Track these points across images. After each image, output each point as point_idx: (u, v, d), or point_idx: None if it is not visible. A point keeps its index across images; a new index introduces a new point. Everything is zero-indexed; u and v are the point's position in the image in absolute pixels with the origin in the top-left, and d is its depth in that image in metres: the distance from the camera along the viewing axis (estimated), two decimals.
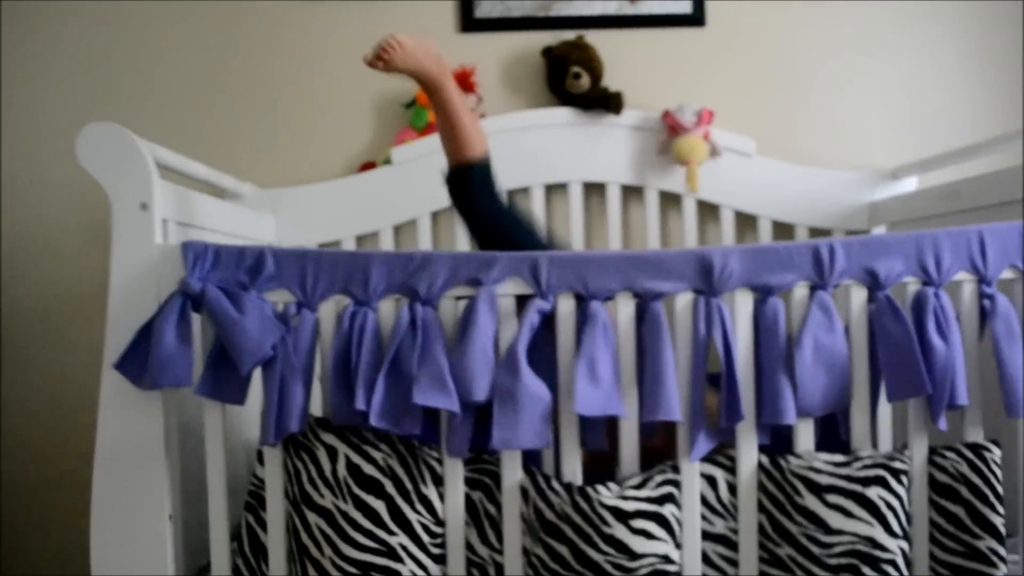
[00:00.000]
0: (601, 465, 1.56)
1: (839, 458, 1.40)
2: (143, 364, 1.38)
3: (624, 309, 1.42)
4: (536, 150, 2.26)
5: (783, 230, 2.28)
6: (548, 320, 1.42)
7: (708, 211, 2.31)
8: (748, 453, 1.42)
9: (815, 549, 1.37)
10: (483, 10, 2.32)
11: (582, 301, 1.41)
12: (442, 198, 2.24)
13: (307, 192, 2.25)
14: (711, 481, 1.44)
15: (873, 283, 1.42)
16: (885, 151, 2.33)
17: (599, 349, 1.38)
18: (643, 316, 1.41)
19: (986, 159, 2.18)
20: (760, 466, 1.42)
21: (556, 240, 1.92)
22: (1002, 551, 1.39)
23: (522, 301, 1.43)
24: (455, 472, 1.42)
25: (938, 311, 1.40)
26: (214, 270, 1.41)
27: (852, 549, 1.36)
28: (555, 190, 2.31)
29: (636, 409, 1.42)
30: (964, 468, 1.41)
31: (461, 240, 2.25)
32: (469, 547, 1.43)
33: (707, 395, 1.61)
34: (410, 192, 2.25)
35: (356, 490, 1.37)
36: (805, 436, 1.44)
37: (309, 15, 2.32)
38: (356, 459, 1.38)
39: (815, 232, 2.27)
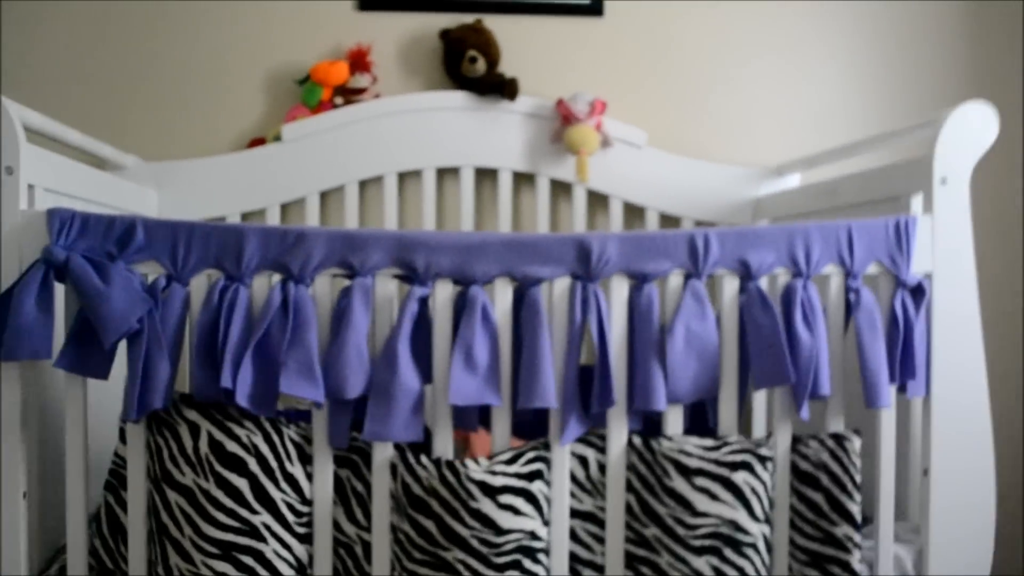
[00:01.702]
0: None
1: (709, 442, 1.43)
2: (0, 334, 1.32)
3: (502, 295, 1.42)
4: (430, 133, 2.24)
5: (670, 222, 2.31)
6: (427, 302, 1.41)
7: (598, 201, 2.32)
8: (618, 439, 1.44)
9: (680, 530, 1.40)
10: None
11: (461, 286, 1.41)
12: (331, 177, 2.22)
13: (192, 166, 2.19)
14: (582, 460, 1.45)
15: (745, 273, 1.45)
16: (772, 148, 2.38)
17: (477, 336, 1.37)
18: (521, 302, 1.42)
19: (865, 157, 2.25)
20: (632, 447, 1.44)
21: None
22: (857, 538, 1.44)
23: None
24: (323, 451, 1.40)
25: (805, 302, 1.44)
26: (81, 239, 1.35)
27: (716, 531, 1.39)
28: (447, 174, 2.30)
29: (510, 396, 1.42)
30: (825, 456, 1.46)
31: (350, 219, 2.22)
32: (336, 526, 1.42)
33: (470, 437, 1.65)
34: (299, 170, 2.20)
35: (218, 468, 1.34)
36: (674, 422, 1.46)
37: None
38: (219, 436, 1.35)
39: (701, 225, 2.30)
